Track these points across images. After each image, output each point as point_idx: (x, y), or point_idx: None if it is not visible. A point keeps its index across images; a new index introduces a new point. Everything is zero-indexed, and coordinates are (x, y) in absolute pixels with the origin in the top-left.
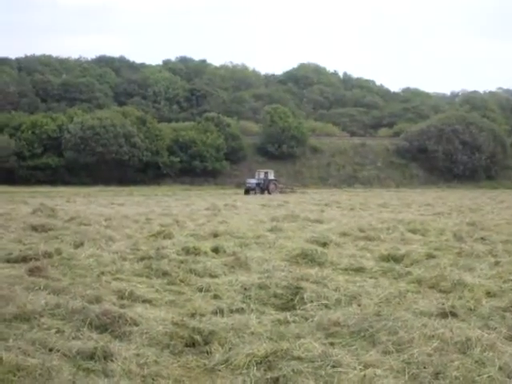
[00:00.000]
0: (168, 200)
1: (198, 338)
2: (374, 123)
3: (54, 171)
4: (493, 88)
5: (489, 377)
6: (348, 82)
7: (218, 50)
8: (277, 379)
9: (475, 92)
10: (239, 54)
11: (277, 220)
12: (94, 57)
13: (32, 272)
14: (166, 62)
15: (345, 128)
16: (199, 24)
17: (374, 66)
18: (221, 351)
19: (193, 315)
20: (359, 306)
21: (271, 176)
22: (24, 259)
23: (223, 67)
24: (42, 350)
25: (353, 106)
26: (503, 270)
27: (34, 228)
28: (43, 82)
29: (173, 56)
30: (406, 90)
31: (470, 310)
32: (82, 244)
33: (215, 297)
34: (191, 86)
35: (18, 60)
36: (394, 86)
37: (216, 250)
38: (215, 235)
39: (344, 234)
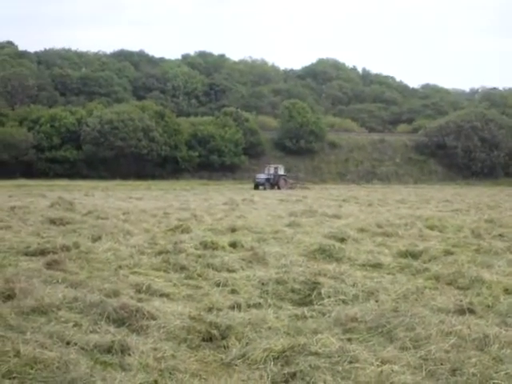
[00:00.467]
0: (186, 194)
1: (215, 332)
2: (392, 119)
3: (72, 165)
4: None
5: (506, 374)
6: (367, 77)
7: (237, 45)
8: (294, 374)
9: (494, 89)
10: (258, 49)
11: (295, 215)
12: (113, 51)
13: (50, 265)
14: (185, 57)
15: (363, 124)
16: (218, 19)
17: (393, 62)
18: (238, 346)
19: (210, 310)
20: (377, 301)
21: (281, 171)
22: (42, 252)
23: (242, 62)
24: (59, 343)
25: (371, 101)
26: None
27: (52, 221)
28: (62, 76)
29: (192, 50)
30: (425, 87)
31: (488, 306)
32: (99, 238)
33: (233, 291)
34: (210, 81)
35: (37, 54)
36: (413, 82)
37: (234, 245)
38: (233, 230)
39: (362, 230)
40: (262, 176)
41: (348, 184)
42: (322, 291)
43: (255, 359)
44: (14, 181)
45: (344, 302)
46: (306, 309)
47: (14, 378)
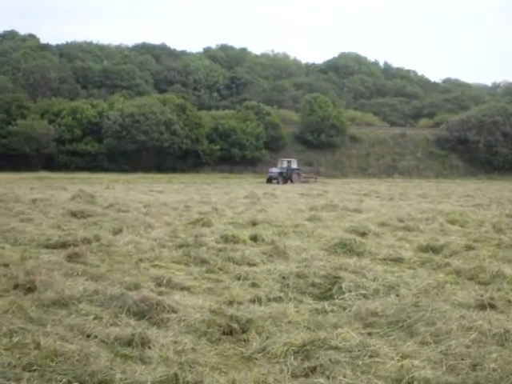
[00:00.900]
0: (207, 188)
1: (235, 326)
2: (414, 113)
3: (94, 158)
4: None
5: None
6: (389, 71)
7: (258, 39)
8: (314, 368)
9: None
10: (280, 42)
11: (315, 209)
12: (134, 44)
13: (71, 258)
14: (207, 50)
15: (385, 118)
16: (240, 12)
17: (414, 56)
18: (258, 340)
19: (230, 303)
20: (397, 296)
21: (294, 165)
22: (63, 245)
23: (264, 55)
24: (79, 335)
25: (393, 95)
26: None
27: (73, 214)
28: (84, 69)
29: (213, 44)
30: (447, 81)
31: (509, 301)
32: (120, 231)
33: (253, 285)
34: (231, 74)
35: (58, 46)
36: (435, 76)
37: (254, 239)
38: (254, 223)
39: (383, 224)
40: (274, 170)
41: (369, 178)
42: (343, 285)
43: (275, 353)
44: (35, 173)
45: (364, 296)
46: (326, 303)
47: (35, 370)
